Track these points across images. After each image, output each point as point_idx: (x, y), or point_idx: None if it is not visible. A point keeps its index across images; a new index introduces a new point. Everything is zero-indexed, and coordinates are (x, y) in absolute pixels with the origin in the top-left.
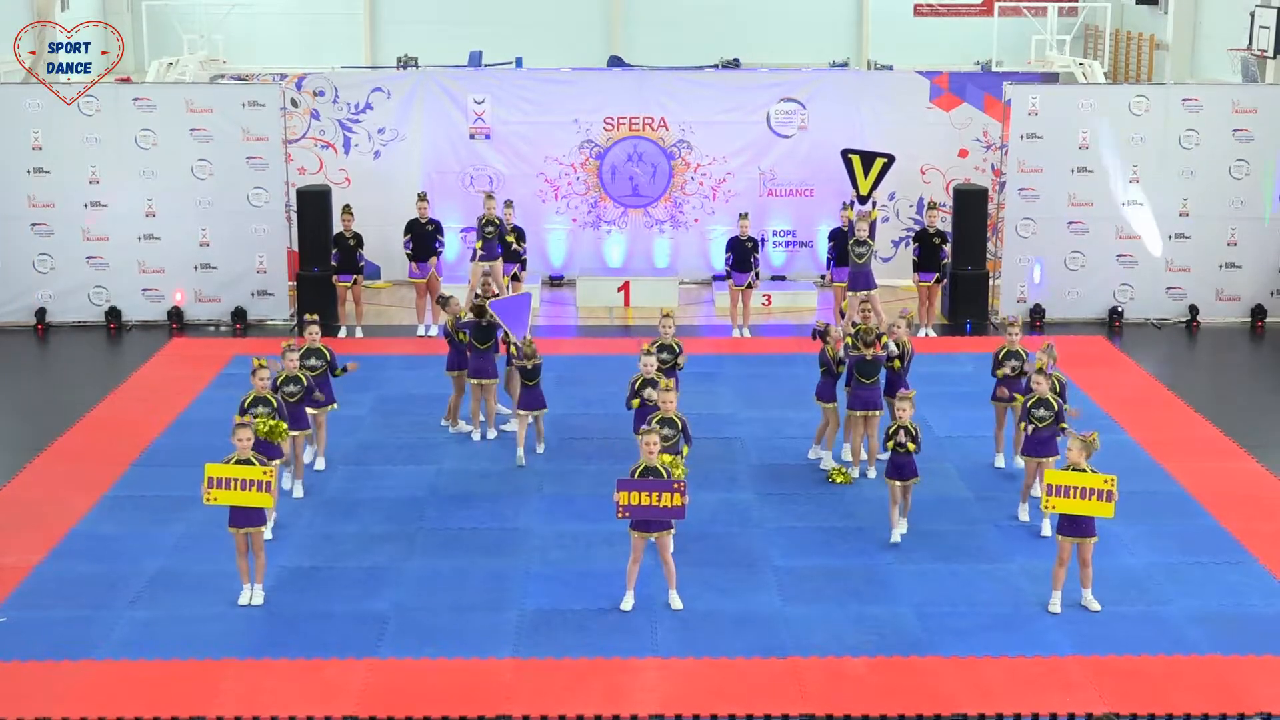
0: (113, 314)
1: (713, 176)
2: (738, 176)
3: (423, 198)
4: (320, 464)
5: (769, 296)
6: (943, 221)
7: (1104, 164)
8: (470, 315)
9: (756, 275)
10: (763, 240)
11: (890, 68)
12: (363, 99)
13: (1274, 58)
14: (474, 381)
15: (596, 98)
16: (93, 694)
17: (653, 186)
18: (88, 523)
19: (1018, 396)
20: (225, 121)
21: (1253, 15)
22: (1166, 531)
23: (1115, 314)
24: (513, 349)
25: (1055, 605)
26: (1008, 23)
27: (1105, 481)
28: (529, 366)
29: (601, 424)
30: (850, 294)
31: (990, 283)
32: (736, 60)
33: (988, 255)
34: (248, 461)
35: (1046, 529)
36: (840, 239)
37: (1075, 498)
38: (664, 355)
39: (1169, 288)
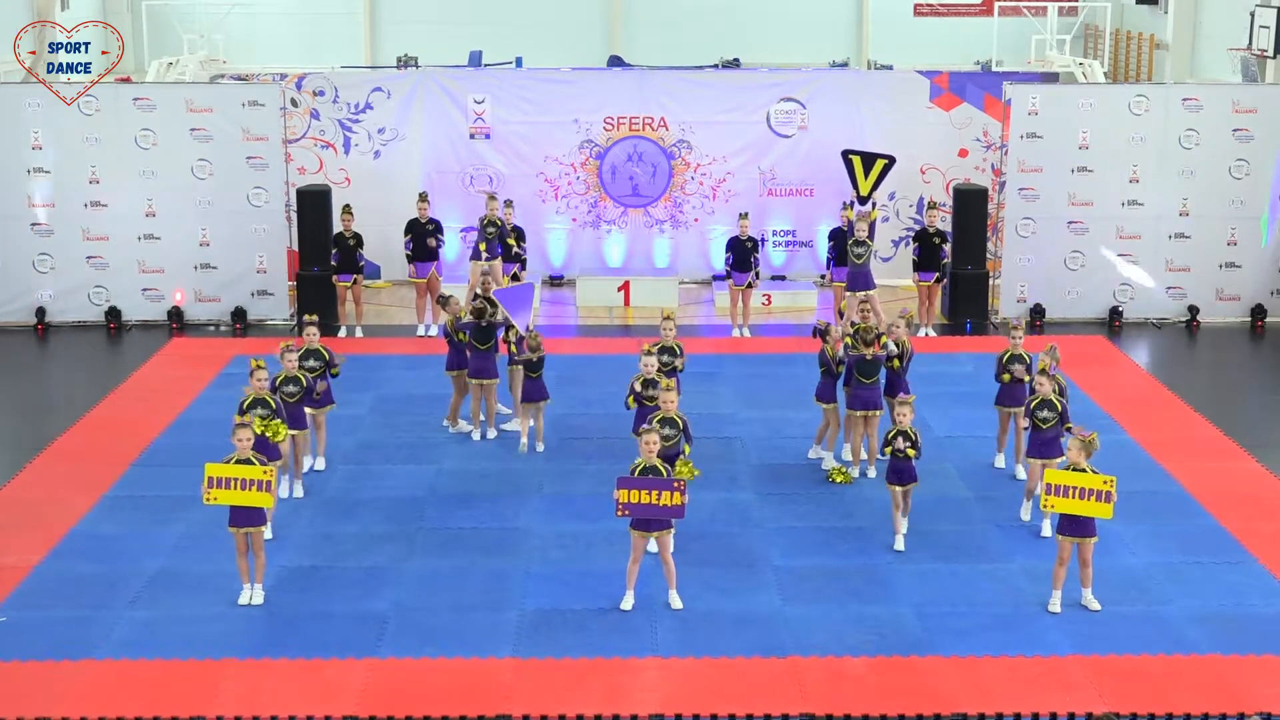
0: (113, 314)
1: (713, 176)
2: (738, 176)
3: (423, 198)
4: (320, 464)
5: (769, 296)
6: (943, 221)
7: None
8: (470, 316)
9: (756, 275)
10: (763, 240)
11: (890, 67)
12: (363, 99)
13: (1274, 57)
14: (475, 382)
15: (596, 97)
16: (93, 694)
17: (653, 186)
18: (88, 522)
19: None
20: (225, 121)
21: (1253, 15)
22: (1166, 531)
23: (1115, 314)
24: (512, 348)
25: (1055, 605)
26: (1008, 22)
27: (1105, 482)
28: (534, 359)
29: (601, 423)
30: (849, 294)
31: (990, 282)
32: (736, 60)
33: (988, 255)
34: (248, 461)
35: (1046, 529)
36: (840, 239)
37: (1074, 498)
38: (664, 357)
39: (1169, 287)
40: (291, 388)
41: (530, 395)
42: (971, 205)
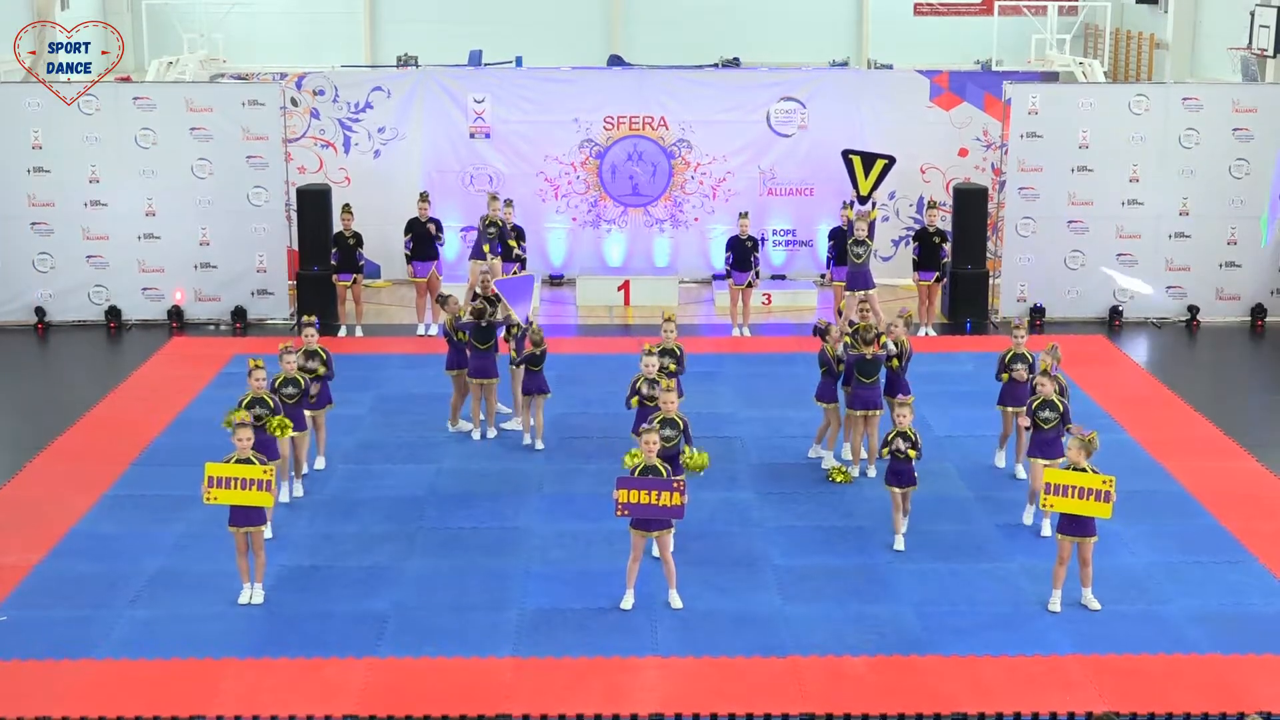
0: (113, 313)
1: (713, 175)
2: (738, 175)
3: (424, 198)
4: (320, 463)
5: (769, 296)
6: (943, 220)
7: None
8: (470, 316)
9: (756, 274)
10: (762, 239)
11: (890, 67)
12: (363, 98)
13: (1274, 57)
14: (475, 382)
15: (596, 97)
16: (93, 693)
17: (653, 185)
18: (88, 522)
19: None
20: (225, 121)
21: (1253, 14)
22: (1166, 531)
23: (1115, 313)
24: (513, 354)
25: (1055, 604)
26: (1008, 22)
27: (1104, 482)
28: (537, 353)
29: (601, 423)
30: (848, 293)
31: (990, 282)
32: (736, 59)
33: (988, 254)
34: (248, 461)
35: (1046, 529)
36: (840, 238)
37: (1073, 497)
38: (665, 359)
39: (1169, 287)
40: (290, 389)
41: (530, 389)
42: (971, 205)
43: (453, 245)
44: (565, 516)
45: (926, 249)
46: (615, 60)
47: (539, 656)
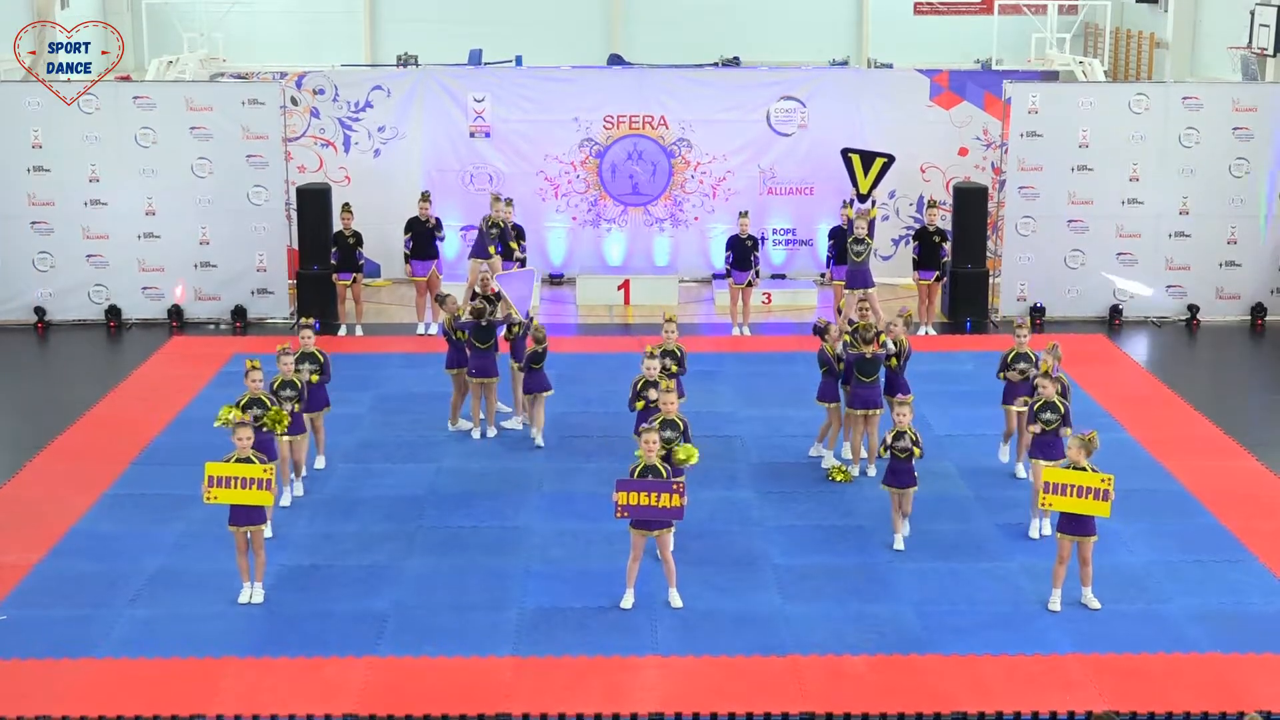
0: (112, 312)
1: (713, 175)
2: (738, 175)
3: (425, 197)
4: (320, 462)
5: (769, 295)
6: (943, 220)
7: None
8: (469, 315)
9: (756, 273)
10: (763, 238)
11: (890, 66)
12: (363, 97)
13: (1274, 56)
14: (475, 381)
15: (596, 96)
16: (93, 692)
17: (653, 185)
18: (87, 521)
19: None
20: (225, 120)
21: (1253, 13)
22: (1166, 530)
23: (1115, 312)
24: (515, 363)
25: (1055, 603)
26: (1008, 21)
27: (1103, 481)
28: (540, 351)
29: (601, 422)
30: (848, 292)
31: (990, 281)
32: (736, 58)
33: (988, 253)
34: (248, 460)
35: (1045, 529)
36: (840, 237)
37: (1072, 496)
38: (666, 360)
39: (1169, 286)
40: (288, 391)
41: (532, 387)
42: (971, 204)
43: (452, 244)
44: (565, 516)
45: (926, 248)
46: (615, 59)
47: (539, 656)
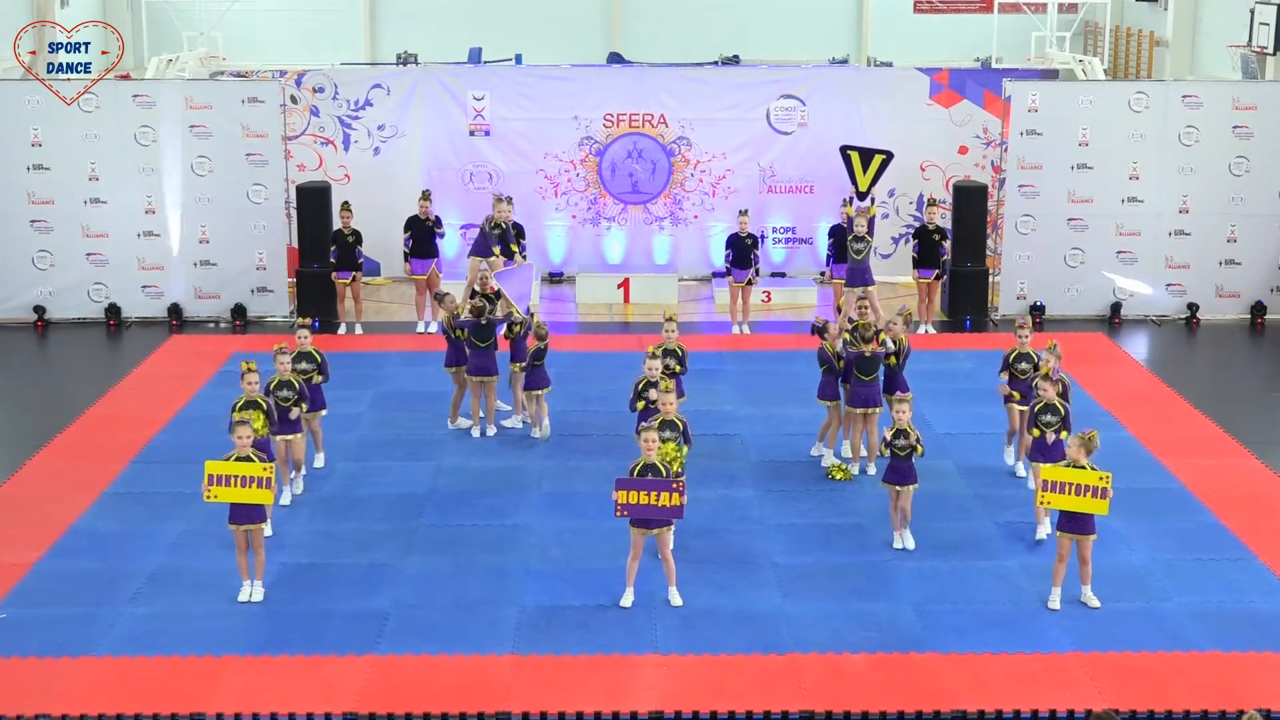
0: (112, 311)
1: (712, 173)
2: (737, 173)
3: (426, 196)
4: (319, 460)
5: (769, 293)
6: (942, 218)
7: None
8: (469, 314)
9: (756, 272)
10: (762, 237)
11: (890, 64)
12: (362, 95)
13: (1274, 54)
14: (475, 379)
15: (596, 94)
16: (93, 690)
17: (652, 183)
18: (87, 519)
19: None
20: (225, 118)
21: (1253, 12)
22: (1166, 528)
23: (1115, 311)
24: (515, 366)
25: (1055, 602)
26: (1008, 19)
27: (1101, 479)
28: (542, 347)
29: (601, 421)
30: (848, 290)
31: (990, 279)
32: (736, 57)
33: (987, 252)
34: (247, 458)
35: (1045, 531)
36: (840, 235)
37: (1071, 494)
38: (668, 359)
39: (1169, 284)
40: (285, 391)
41: (532, 384)
42: (971, 202)
43: (452, 242)
44: (565, 514)
45: (926, 246)
46: (615, 58)
47: (539, 654)
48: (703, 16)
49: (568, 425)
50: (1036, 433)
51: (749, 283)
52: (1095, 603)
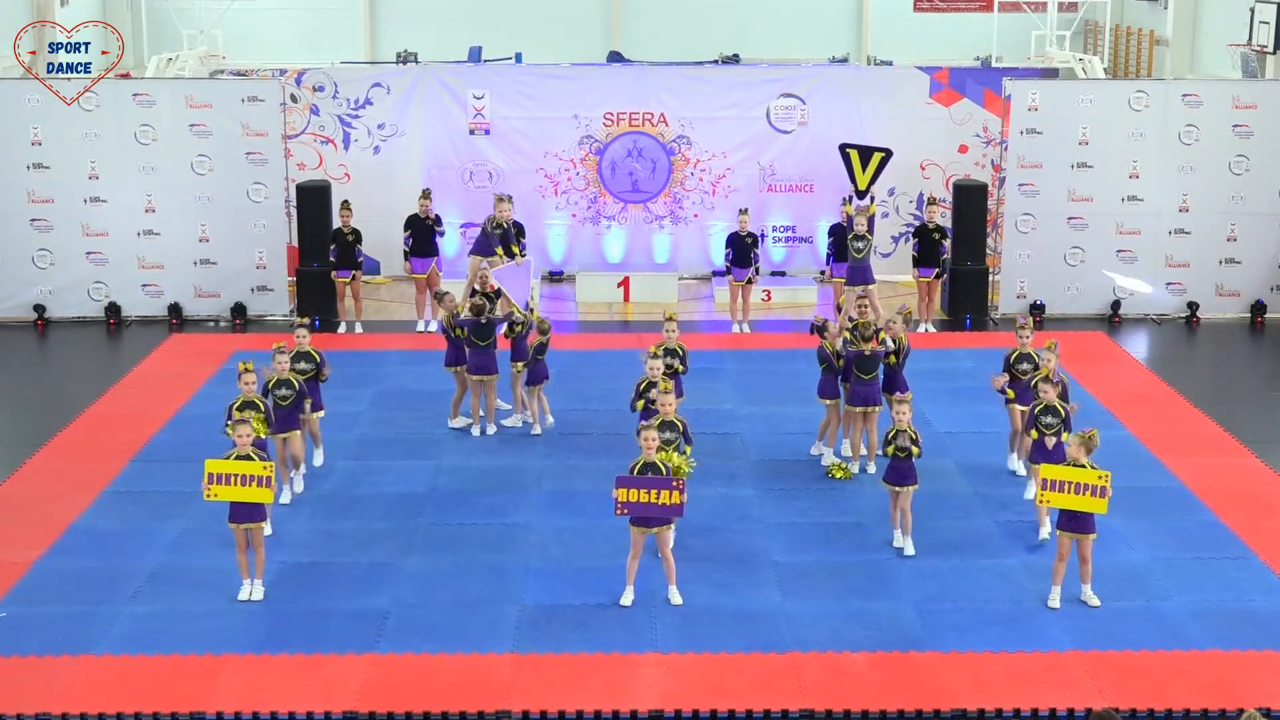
0: (112, 309)
1: (712, 172)
2: (737, 172)
3: (426, 194)
4: (318, 459)
5: (769, 292)
6: (942, 217)
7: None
8: (469, 313)
9: (756, 271)
10: (762, 236)
11: (890, 63)
12: (362, 94)
13: (1274, 53)
14: (475, 378)
15: (596, 93)
16: (93, 689)
17: (652, 182)
18: (87, 518)
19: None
20: (225, 117)
21: (1252, 11)
22: (1166, 527)
23: (1115, 309)
24: (516, 366)
25: (1055, 601)
26: (1008, 18)
27: (1100, 477)
28: (544, 341)
29: (601, 419)
30: (848, 289)
31: (990, 278)
32: (736, 56)
33: (987, 251)
34: (247, 457)
35: (1046, 532)
36: (840, 234)
37: (1070, 493)
38: (668, 359)
39: (1169, 283)
40: (284, 390)
41: (535, 378)
42: (971, 201)
43: (452, 241)
44: (565, 513)
45: (926, 245)
46: (615, 56)
47: (539, 653)
48: (703, 15)
49: (568, 424)
50: (1035, 435)
51: (749, 281)
52: (1095, 601)
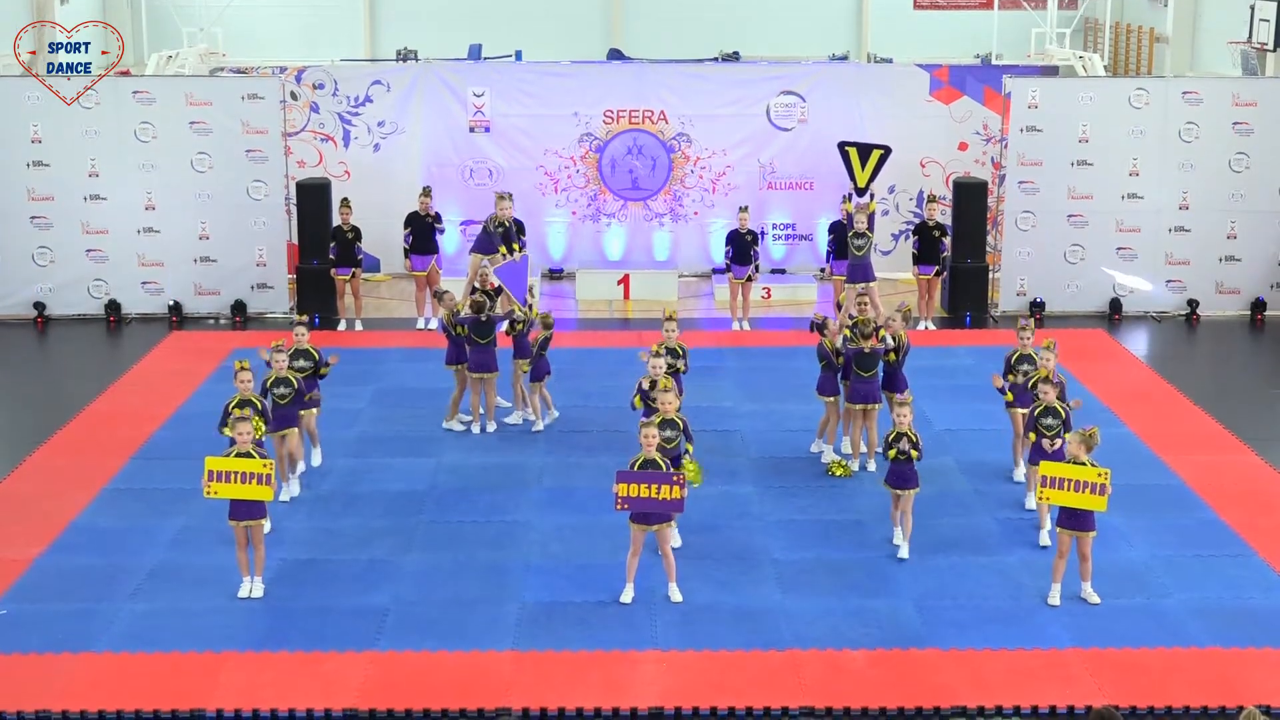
0: (112, 307)
1: (712, 169)
2: (737, 170)
3: (426, 192)
4: (316, 457)
5: (769, 290)
6: (942, 215)
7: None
8: (469, 311)
9: (756, 268)
10: (762, 233)
11: (890, 61)
12: (362, 92)
13: (1274, 51)
14: (475, 376)
15: (596, 91)
16: (93, 686)
17: (652, 180)
18: (87, 516)
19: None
20: (225, 115)
21: (1253, 8)
22: (1166, 525)
23: (1115, 307)
24: (521, 366)
25: (1054, 598)
26: (1008, 16)
27: (1099, 475)
28: (548, 336)
29: (601, 417)
30: (848, 286)
31: (990, 276)
32: (736, 53)
33: (987, 248)
34: (248, 454)
35: (1045, 540)
36: (840, 232)
37: (1069, 490)
38: (668, 358)
39: (1169, 281)
40: (282, 389)
41: (538, 374)
42: (971, 199)
43: (452, 239)
44: (565, 510)
45: (926, 243)
46: (615, 54)
47: (539, 650)
48: (703, 13)
49: (568, 421)
50: (1034, 437)
51: (749, 279)
52: (1095, 599)
